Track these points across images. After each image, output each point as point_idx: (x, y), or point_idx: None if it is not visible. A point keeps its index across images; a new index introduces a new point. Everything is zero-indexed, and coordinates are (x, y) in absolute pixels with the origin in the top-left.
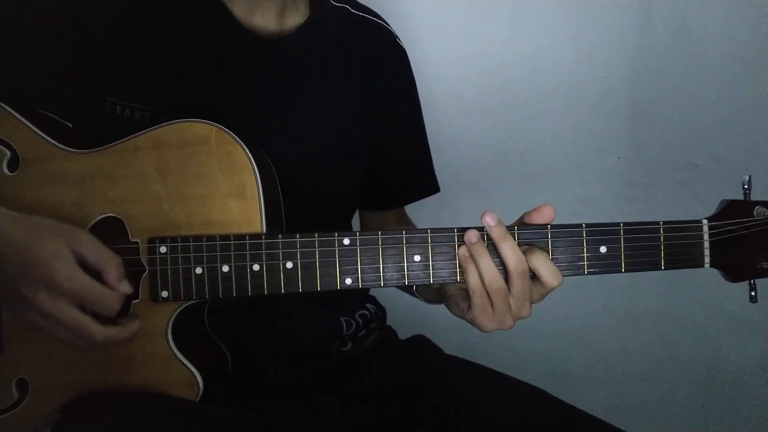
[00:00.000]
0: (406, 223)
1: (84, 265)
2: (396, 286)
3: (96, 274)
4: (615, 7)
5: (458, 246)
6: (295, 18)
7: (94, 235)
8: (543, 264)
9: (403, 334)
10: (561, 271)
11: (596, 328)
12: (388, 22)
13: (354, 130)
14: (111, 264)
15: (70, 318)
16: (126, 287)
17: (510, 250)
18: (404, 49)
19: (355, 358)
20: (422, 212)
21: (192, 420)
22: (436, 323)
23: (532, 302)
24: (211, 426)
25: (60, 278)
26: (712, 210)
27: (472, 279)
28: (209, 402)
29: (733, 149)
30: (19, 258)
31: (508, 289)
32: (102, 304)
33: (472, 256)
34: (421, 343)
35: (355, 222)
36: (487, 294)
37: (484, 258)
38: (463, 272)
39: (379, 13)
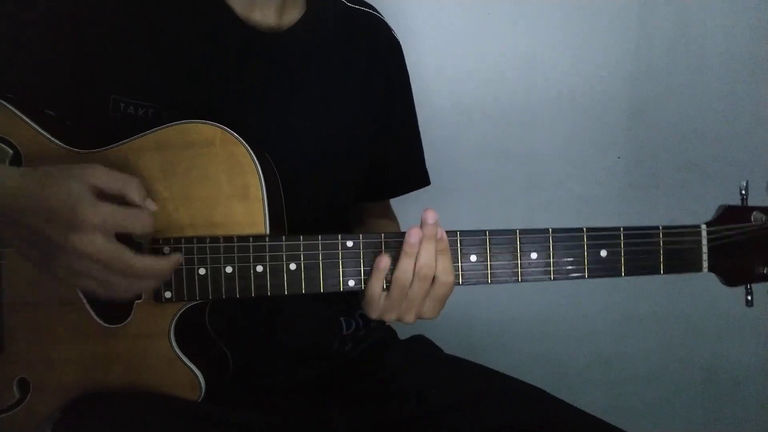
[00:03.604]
0: (388, 214)
1: (104, 195)
2: None
3: (118, 200)
4: (615, 7)
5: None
6: (294, 13)
7: (103, 166)
8: (442, 259)
9: (403, 334)
10: (562, 275)
11: (596, 328)
12: (389, 21)
13: (354, 127)
14: (130, 186)
15: (105, 249)
16: (151, 204)
17: (426, 251)
18: (399, 42)
19: (355, 358)
20: (421, 211)
21: (193, 420)
22: (436, 323)
23: (421, 314)
24: (213, 426)
25: (86, 215)
26: (711, 210)
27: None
28: (211, 403)
29: (733, 150)
30: (40, 208)
31: (409, 287)
32: (134, 224)
33: (399, 253)
34: (421, 343)
35: None
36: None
37: (409, 258)
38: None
39: (375, 7)
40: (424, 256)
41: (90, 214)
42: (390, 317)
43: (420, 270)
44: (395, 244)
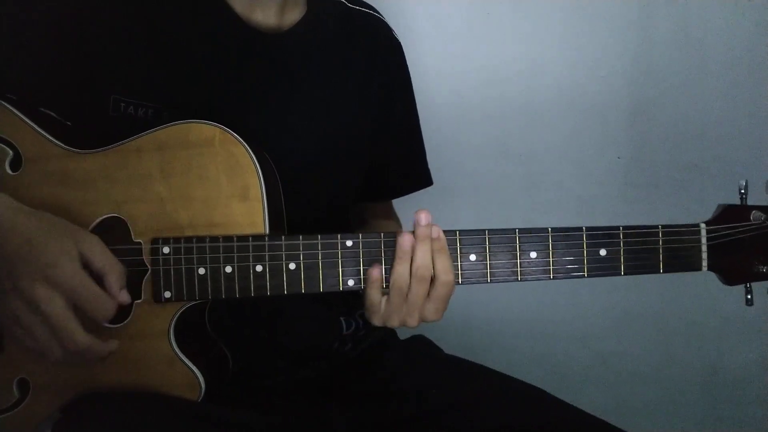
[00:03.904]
0: (390, 214)
1: (88, 267)
2: None
3: (98, 279)
4: (615, 7)
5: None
6: (295, 13)
7: (102, 241)
8: (440, 260)
9: (403, 334)
10: (561, 274)
11: (596, 328)
12: (389, 21)
13: (354, 127)
14: (114, 271)
15: (59, 314)
16: (125, 297)
17: (421, 253)
18: (400, 42)
19: (355, 358)
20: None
21: (193, 420)
22: (436, 323)
23: (424, 317)
24: (213, 426)
25: (62, 274)
26: (711, 210)
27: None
28: (210, 402)
29: (733, 149)
30: (27, 249)
31: (407, 291)
32: (97, 307)
33: (393, 258)
34: (421, 343)
35: None
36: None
37: (404, 262)
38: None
39: (375, 8)
40: (419, 257)
41: (67, 274)
42: (393, 323)
43: (417, 271)
44: (394, 245)
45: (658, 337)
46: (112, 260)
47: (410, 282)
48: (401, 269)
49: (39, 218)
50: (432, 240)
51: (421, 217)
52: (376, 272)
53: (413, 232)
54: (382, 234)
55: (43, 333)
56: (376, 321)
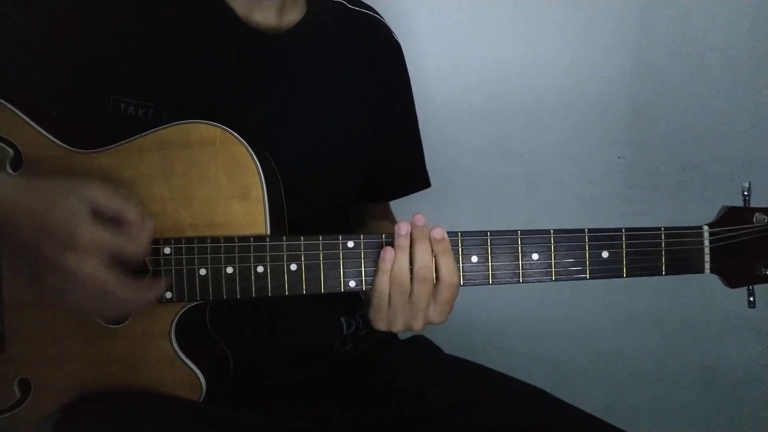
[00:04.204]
0: (388, 216)
1: (102, 213)
2: None
3: (117, 220)
4: (615, 7)
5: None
6: (294, 14)
7: (103, 181)
8: (444, 261)
9: (403, 334)
10: (563, 276)
11: (596, 328)
12: (389, 21)
13: (354, 127)
14: (129, 207)
15: (96, 274)
16: (149, 222)
17: (420, 252)
18: (399, 44)
19: (355, 358)
20: (422, 212)
21: (194, 421)
22: None
23: (430, 319)
24: (213, 426)
25: (82, 237)
26: (711, 210)
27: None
28: (211, 403)
29: (733, 150)
30: (37, 223)
31: (410, 293)
32: (128, 249)
33: (394, 247)
34: (421, 343)
35: None
36: (390, 292)
37: (402, 253)
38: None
39: (375, 9)
40: (420, 257)
41: (86, 236)
42: (398, 326)
43: (418, 272)
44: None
45: (658, 337)
46: (123, 198)
47: (412, 284)
48: (401, 261)
49: (36, 187)
50: (436, 241)
51: (417, 219)
52: (389, 253)
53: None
54: (383, 235)
55: (89, 297)
56: (381, 324)
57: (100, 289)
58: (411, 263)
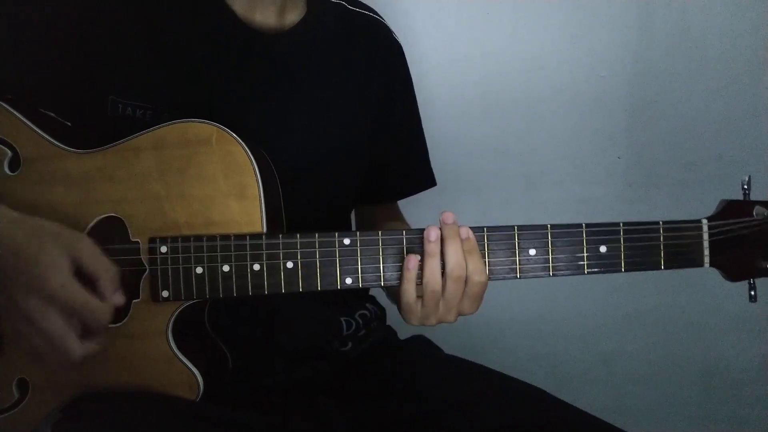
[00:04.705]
0: (398, 217)
1: (81, 272)
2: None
3: (92, 283)
4: (615, 7)
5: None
6: (294, 14)
7: (94, 243)
8: (472, 259)
9: (403, 334)
10: (561, 271)
11: (596, 328)
12: (389, 21)
13: (354, 127)
14: (107, 274)
15: (54, 328)
16: (118, 299)
17: (453, 252)
18: (400, 44)
19: (355, 358)
20: (422, 211)
21: (192, 420)
22: None
23: (462, 312)
24: (212, 426)
25: (53, 287)
26: (711, 209)
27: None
28: (209, 402)
29: (733, 149)
30: (17, 262)
31: (442, 291)
32: (92, 315)
33: (422, 255)
34: (421, 343)
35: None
36: (423, 296)
37: (433, 259)
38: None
39: (375, 10)
40: (452, 257)
41: (58, 287)
42: (431, 322)
43: (452, 272)
44: (395, 242)
45: (658, 337)
46: (105, 263)
47: (445, 283)
48: (432, 266)
49: (27, 226)
50: (462, 241)
51: (446, 217)
52: (413, 261)
53: (440, 230)
54: (380, 232)
55: (41, 343)
56: (414, 322)
57: (53, 340)
58: (442, 261)
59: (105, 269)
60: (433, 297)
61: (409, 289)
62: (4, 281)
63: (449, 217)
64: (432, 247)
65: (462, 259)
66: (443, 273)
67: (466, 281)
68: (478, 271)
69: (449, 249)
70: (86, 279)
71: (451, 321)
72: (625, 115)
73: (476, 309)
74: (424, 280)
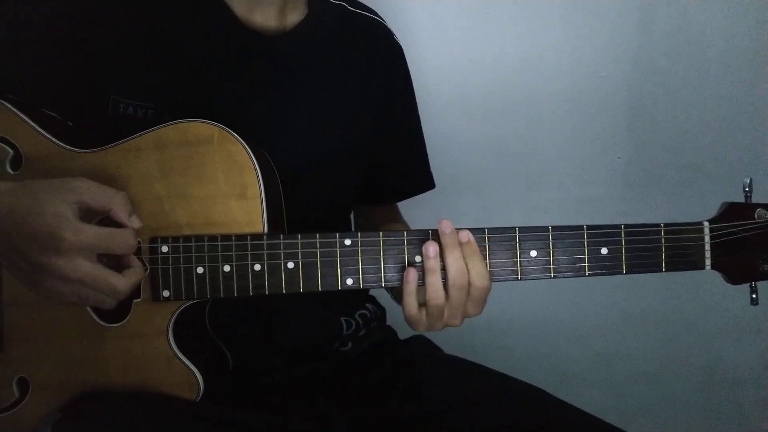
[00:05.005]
0: (398, 218)
1: (89, 211)
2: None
3: (104, 217)
4: (615, 7)
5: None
6: (295, 15)
7: (88, 179)
8: (474, 265)
9: (403, 334)
10: (562, 272)
11: (596, 328)
12: (389, 22)
13: (354, 127)
14: (116, 203)
15: (90, 275)
16: (136, 222)
17: (453, 261)
18: (401, 45)
19: (355, 358)
20: (422, 212)
21: (192, 420)
22: None
23: (467, 315)
24: (212, 426)
25: (69, 239)
26: (711, 210)
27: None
28: (210, 402)
29: (733, 150)
30: (25, 229)
31: (446, 299)
32: (117, 246)
33: (423, 269)
34: (421, 343)
35: None
36: (427, 308)
37: (434, 275)
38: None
39: (376, 11)
40: (453, 266)
41: (72, 238)
42: (437, 328)
43: (454, 282)
44: (396, 243)
45: (658, 337)
46: (109, 194)
47: (447, 291)
48: (434, 280)
49: (21, 191)
50: (463, 245)
51: (445, 226)
52: (412, 275)
53: (439, 242)
54: (381, 233)
55: (86, 293)
56: (420, 330)
57: (95, 285)
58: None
59: (111, 198)
60: (438, 309)
61: (411, 303)
62: (22, 251)
63: (447, 226)
64: (432, 263)
65: (463, 267)
66: (445, 283)
67: (469, 287)
68: (480, 276)
69: (449, 259)
70: (96, 214)
71: (457, 325)
72: (625, 115)
73: (481, 311)
74: (427, 296)
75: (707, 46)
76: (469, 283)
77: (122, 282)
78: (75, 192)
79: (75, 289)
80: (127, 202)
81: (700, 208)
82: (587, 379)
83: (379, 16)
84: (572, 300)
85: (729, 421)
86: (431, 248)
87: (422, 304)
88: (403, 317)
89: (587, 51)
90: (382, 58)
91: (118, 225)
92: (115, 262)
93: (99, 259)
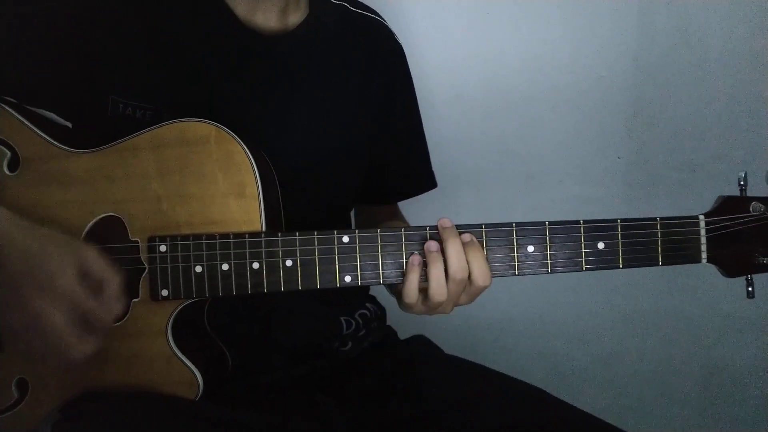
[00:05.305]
0: (398, 217)
1: (87, 278)
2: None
3: (98, 287)
4: (615, 7)
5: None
6: (296, 16)
7: (99, 250)
8: (477, 262)
9: (403, 334)
10: (559, 267)
11: (596, 328)
12: (390, 22)
13: (354, 127)
14: (111, 284)
15: (57, 328)
16: (119, 308)
17: (454, 252)
18: (401, 46)
19: (355, 357)
20: (422, 211)
21: (192, 419)
22: (436, 323)
23: (457, 304)
24: (211, 426)
25: (60, 286)
26: (710, 208)
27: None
28: (209, 401)
29: (733, 149)
30: (28, 265)
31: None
32: (96, 318)
33: (427, 263)
34: (421, 343)
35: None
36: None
37: (436, 267)
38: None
39: (377, 11)
40: (454, 260)
41: (64, 287)
42: (429, 314)
43: (455, 275)
44: (394, 240)
45: (658, 337)
46: (109, 272)
47: (447, 285)
48: (436, 272)
49: (37, 234)
50: (465, 244)
51: (444, 222)
52: (418, 260)
53: (439, 239)
54: (379, 230)
55: (41, 343)
56: (413, 313)
57: (56, 342)
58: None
59: (109, 278)
60: (438, 303)
61: (412, 290)
62: (15, 281)
63: (447, 222)
64: (435, 256)
65: (464, 262)
66: (446, 276)
67: (470, 283)
68: (482, 275)
69: (450, 251)
70: (92, 284)
71: (448, 312)
72: (625, 115)
73: (472, 302)
74: (431, 290)
75: (707, 46)
76: (470, 280)
77: (79, 351)
78: (83, 255)
79: (35, 334)
80: (121, 288)
81: (699, 208)
82: (587, 379)
83: (380, 17)
84: (572, 300)
85: (729, 421)
86: (433, 243)
87: (421, 291)
88: (398, 304)
89: (587, 51)
90: (382, 59)
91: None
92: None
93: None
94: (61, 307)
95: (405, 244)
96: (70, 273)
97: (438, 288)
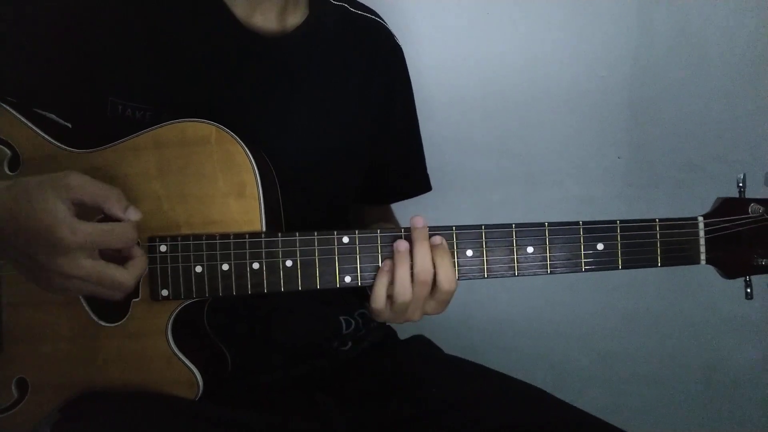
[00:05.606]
0: (390, 218)
1: (85, 207)
2: None
3: (99, 210)
4: (615, 7)
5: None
6: (296, 17)
7: (80, 174)
8: (443, 266)
9: (403, 334)
10: (558, 268)
11: (596, 328)
12: (389, 22)
13: (354, 127)
14: (110, 199)
15: (93, 272)
16: (133, 213)
17: (420, 255)
18: (401, 47)
19: (354, 357)
20: (422, 211)
21: (191, 419)
22: (436, 323)
23: (426, 312)
24: (211, 425)
25: (67, 238)
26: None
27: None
28: (209, 401)
29: (733, 149)
30: (23, 229)
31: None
32: (115, 241)
33: (393, 263)
34: (421, 343)
35: None
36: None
37: (402, 267)
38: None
39: (377, 12)
40: (419, 261)
41: (70, 237)
42: (398, 321)
43: (418, 276)
44: (393, 240)
45: (658, 337)
46: (102, 190)
47: (412, 286)
48: (402, 272)
49: (16, 190)
50: (434, 247)
51: (417, 221)
52: (388, 265)
53: (410, 236)
54: (378, 231)
55: (91, 288)
56: (382, 320)
57: (99, 281)
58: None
59: (106, 195)
60: (403, 305)
61: (380, 294)
62: (25, 251)
63: (419, 221)
64: (400, 257)
65: (429, 264)
66: (412, 278)
67: (434, 287)
68: (448, 279)
69: (417, 252)
70: (92, 210)
71: (417, 319)
72: (625, 115)
73: (443, 311)
74: (395, 290)
75: (707, 46)
76: (435, 284)
77: (125, 276)
78: (69, 189)
79: (80, 285)
80: (122, 197)
81: (699, 208)
82: (587, 379)
83: (380, 18)
84: (572, 300)
85: (729, 421)
86: (402, 244)
87: (388, 296)
88: (366, 310)
89: (587, 51)
90: (382, 59)
91: (117, 220)
92: (118, 254)
93: (103, 253)
94: (81, 252)
95: None
96: (66, 217)
97: (401, 288)
